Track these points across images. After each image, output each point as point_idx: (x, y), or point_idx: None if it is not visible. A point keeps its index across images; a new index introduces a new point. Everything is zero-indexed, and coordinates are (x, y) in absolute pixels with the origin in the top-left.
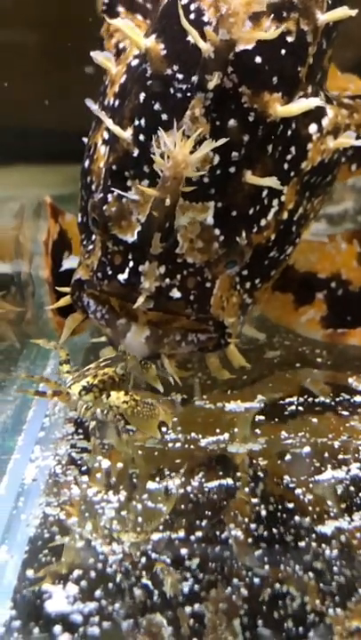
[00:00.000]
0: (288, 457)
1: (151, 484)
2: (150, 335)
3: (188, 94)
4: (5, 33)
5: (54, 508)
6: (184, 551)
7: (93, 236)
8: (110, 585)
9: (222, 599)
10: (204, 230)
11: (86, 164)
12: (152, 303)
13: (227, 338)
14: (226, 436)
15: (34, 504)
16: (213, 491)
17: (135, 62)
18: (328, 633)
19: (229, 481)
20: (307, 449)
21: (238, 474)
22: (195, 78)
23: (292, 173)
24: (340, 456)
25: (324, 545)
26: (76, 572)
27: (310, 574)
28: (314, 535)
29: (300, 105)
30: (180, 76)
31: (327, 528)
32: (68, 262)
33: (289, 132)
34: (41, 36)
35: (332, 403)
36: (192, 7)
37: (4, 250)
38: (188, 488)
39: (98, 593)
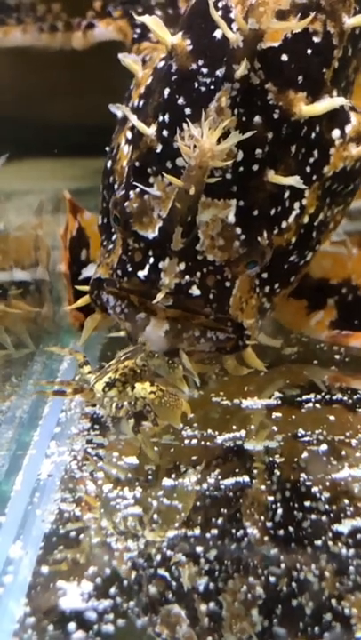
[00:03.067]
0: (305, 454)
1: (167, 481)
2: (170, 330)
3: (213, 87)
4: None
5: (70, 504)
6: (200, 549)
7: (114, 236)
8: (125, 582)
9: (238, 597)
10: (226, 228)
11: (109, 164)
12: (171, 300)
13: (245, 340)
14: (242, 432)
15: (49, 500)
16: (229, 488)
17: (162, 64)
18: (344, 632)
19: (245, 478)
20: (324, 446)
21: (255, 471)
22: (220, 72)
23: (314, 177)
24: (358, 454)
25: (340, 544)
26: (91, 569)
27: (326, 573)
28: (330, 534)
29: (325, 104)
30: (205, 70)
31: (344, 527)
32: (88, 271)
33: (313, 135)
34: None
35: (350, 400)
36: (220, 4)
37: (25, 252)
38: (205, 485)
39: (113, 590)
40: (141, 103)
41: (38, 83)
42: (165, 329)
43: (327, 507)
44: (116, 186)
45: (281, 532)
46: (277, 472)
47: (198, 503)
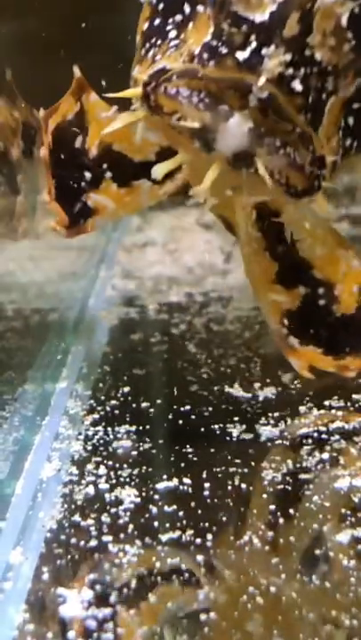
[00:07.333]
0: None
1: (168, 486)
2: (254, 128)
3: None
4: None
5: (71, 509)
6: (200, 557)
7: (172, 33)
8: (126, 590)
9: (238, 606)
10: (338, 30)
11: None
12: (266, 92)
13: (320, 180)
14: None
15: (50, 504)
16: (229, 493)
17: None
18: None
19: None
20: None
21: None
22: None
23: None
24: (359, 463)
25: (341, 554)
26: (92, 576)
27: (326, 584)
28: (330, 543)
29: None
30: None
31: (343, 536)
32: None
33: None
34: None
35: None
36: None
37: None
38: (205, 492)
39: (113, 598)
40: None
41: None
42: (250, 125)
43: (328, 516)
44: None
45: (281, 540)
46: (278, 479)
47: (199, 511)
